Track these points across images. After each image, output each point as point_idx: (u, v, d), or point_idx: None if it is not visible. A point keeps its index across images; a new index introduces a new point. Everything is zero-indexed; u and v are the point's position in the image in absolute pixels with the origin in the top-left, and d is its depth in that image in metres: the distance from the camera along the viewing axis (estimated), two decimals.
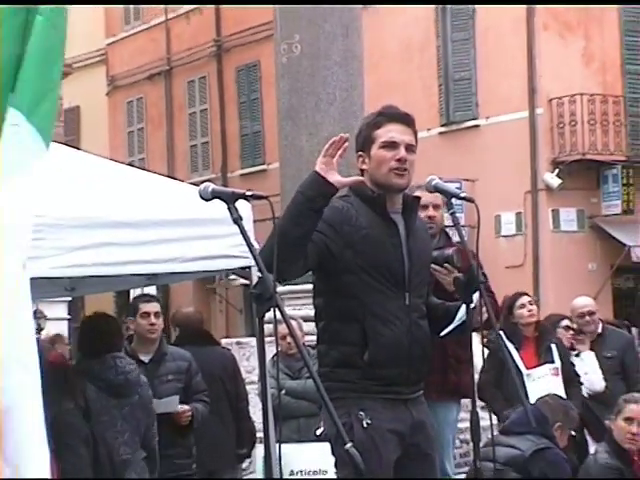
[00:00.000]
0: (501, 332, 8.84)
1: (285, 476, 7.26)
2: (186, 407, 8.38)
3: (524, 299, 9.57)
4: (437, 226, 7.48)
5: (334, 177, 5.02)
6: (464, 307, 5.62)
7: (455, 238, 7.09)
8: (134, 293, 18.79)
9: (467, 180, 22.50)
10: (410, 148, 5.43)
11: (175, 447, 8.34)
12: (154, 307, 8.49)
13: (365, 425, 5.27)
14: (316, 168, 5.04)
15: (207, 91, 31.58)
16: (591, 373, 9.66)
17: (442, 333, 5.84)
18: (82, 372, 8.02)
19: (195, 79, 31.91)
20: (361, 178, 5.30)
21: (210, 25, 31.11)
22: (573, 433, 8.83)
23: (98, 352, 7.85)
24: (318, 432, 8.52)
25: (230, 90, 30.82)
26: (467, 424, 6.09)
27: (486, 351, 8.72)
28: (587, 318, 10.37)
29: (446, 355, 6.87)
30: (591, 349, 10.12)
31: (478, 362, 8.10)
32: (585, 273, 22.94)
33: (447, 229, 7.97)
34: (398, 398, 5.43)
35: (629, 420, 7.80)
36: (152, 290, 16.97)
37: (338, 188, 5.07)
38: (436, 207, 7.54)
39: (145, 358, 8.44)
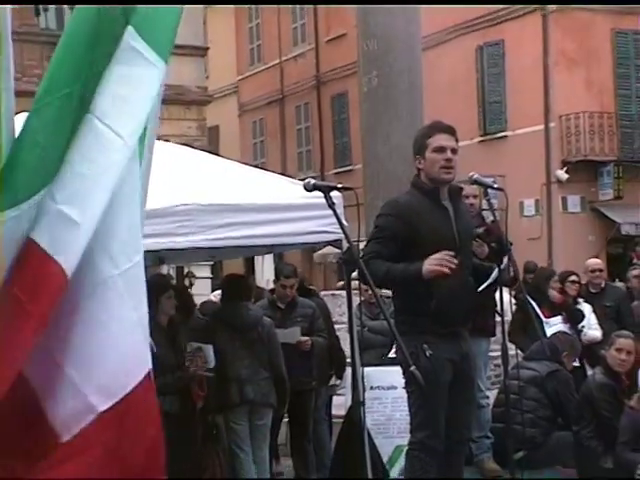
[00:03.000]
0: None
1: (367, 390, 7.25)
2: (305, 338, 8.33)
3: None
4: (475, 210, 7.45)
5: (429, 274, 5.17)
6: (497, 269, 5.59)
7: (490, 217, 7.07)
8: (257, 259, 18.91)
9: (499, 175, 22.25)
10: (454, 151, 5.44)
11: (300, 369, 8.30)
12: (291, 282, 8.49)
13: (428, 355, 5.27)
14: (424, 270, 5.17)
15: (310, 113, 31.61)
16: (587, 328, 9.53)
17: (479, 289, 5.81)
18: (219, 313, 8.08)
19: (301, 104, 31.94)
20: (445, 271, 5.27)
21: (312, 65, 31.11)
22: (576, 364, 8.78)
23: (232, 299, 7.91)
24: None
25: (326, 112, 30.80)
26: (499, 353, 6.06)
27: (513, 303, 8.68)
28: (597, 273, 10.45)
29: None
30: (594, 299, 10.04)
31: (508, 309, 8.04)
32: (586, 243, 22.72)
33: (483, 212, 7.94)
34: (453, 334, 5.43)
35: (619, 350, 7.73)
36: (269, 258, 17.04)
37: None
38: (475, 197, 7.56)
39: (282, 305, 8.48)
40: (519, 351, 8.39)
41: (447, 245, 5.39)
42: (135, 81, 2.97)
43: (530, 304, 8.33)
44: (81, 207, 2.89)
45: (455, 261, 5.13)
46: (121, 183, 2.98)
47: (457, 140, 5.51)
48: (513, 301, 8.71)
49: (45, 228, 2.90)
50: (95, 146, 2.92)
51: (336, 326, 9.48)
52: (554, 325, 8.98)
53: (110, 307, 3.04)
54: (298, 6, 31.33)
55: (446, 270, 5.09)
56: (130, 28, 2.96)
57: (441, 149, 5.40)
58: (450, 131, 5.50)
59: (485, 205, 6.15)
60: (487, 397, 7.84)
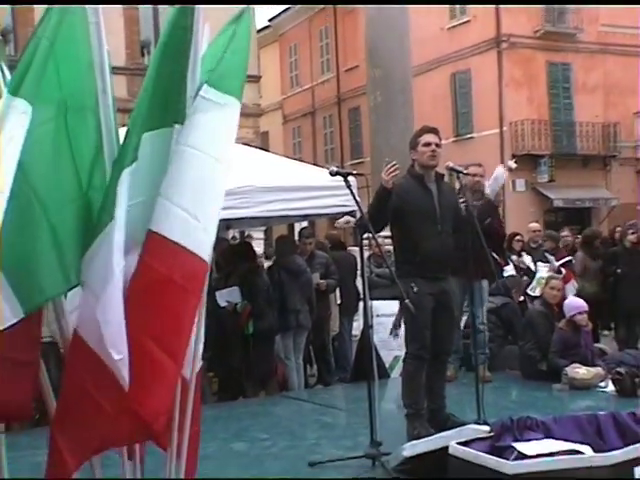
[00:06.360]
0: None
1: (374, 317, 7.25)
2: (322, 281, 8.39)
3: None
4: (480, 187, 7.29)
5: (389, 185, 5.07)
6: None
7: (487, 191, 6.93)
8: (296, 224, 18.86)
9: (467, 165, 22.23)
10: (437, 145, 5.45)
11: (321, 302, 8.36)
12: (310, 241, 8.59)
13: (415, 290, 5.26)
14: (382, 183, 5.11)
15: (333, 121, 31.41)
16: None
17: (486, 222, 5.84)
18: (278, 263, 8.10)
19: (327, 115, 31.75)
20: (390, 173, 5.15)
21: (334, 87, 30.84)
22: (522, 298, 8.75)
23: (286, 254, 7.94)
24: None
25: (345, 122, 30.59)
26: None
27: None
28: (536, 233, 10.38)
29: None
30: (533, 251, 9.99)
31: None
32: (529, 213, 22.46)
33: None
34: (434, 277, 5.40)
35: (552, 288, 7.71)
36: (305, 224, 17.01)
37: (391, 189, 5.09)
38: (482, 176, 7.42)
39: (304, 257, 8.47)
40: None
41: (428, 216, 5.38)
42: (211, 122, 2.67)
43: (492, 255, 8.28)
44: (200, 211, 2.57)
45: (393, 162, 5.06)
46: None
47: (440, 138, 5.50)
48: None
49: (169, 224, 2.47)
50: (193, 170, 2.62)
51: None
52: (508, 271, 8.97)
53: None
54: (325, 46, 31.13)
55: (390, 174, 5.02)
56: (205, 86, 2.68)
57: (428, 144, 5.41)
58: (434, 131, 5.51)
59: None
60: (484, 324, 7.46)
